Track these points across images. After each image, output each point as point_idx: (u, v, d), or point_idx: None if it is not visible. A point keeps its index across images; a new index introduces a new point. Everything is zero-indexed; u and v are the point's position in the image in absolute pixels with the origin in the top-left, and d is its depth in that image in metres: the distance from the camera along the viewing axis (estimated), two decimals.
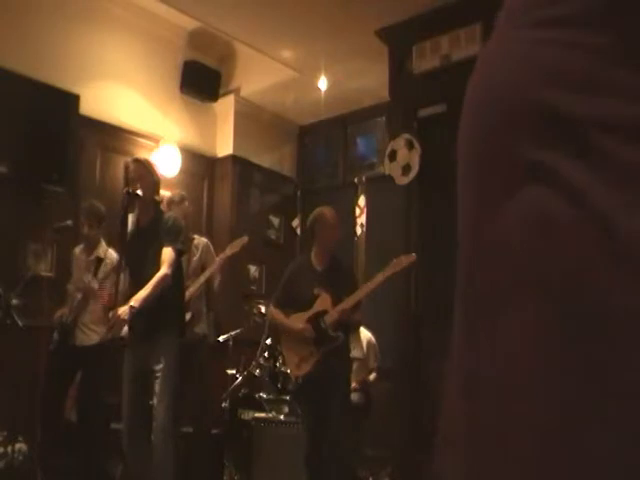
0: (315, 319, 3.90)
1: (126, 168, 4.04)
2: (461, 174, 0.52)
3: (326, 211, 4.09)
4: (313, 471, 3.83)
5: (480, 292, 0.48)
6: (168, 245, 3.61)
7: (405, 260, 3.97)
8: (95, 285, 4.34)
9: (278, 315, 4.07)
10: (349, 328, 4.06)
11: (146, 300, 3.46)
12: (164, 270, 3.54)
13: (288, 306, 4.05)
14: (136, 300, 3.45)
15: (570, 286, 0.42)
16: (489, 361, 0.46)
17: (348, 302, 3.86)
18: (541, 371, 0.43)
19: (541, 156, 0.45)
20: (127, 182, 3.80)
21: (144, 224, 3.77)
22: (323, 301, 3.91)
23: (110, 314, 3.47)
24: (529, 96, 0.46)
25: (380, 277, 3.93)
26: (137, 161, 3.89)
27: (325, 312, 3.89)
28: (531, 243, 0.44)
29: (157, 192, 3.82)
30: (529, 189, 0.45)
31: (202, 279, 4.67)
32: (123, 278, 3.77)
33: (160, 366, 3.55)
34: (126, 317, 3.40)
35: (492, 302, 0.46)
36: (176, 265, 3.67)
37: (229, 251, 4.79)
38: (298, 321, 3.94)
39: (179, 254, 3.71)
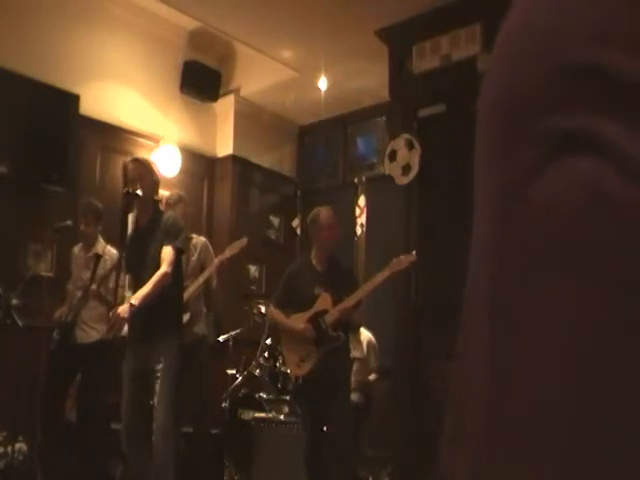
0: (315, 319, 3.90)
1: (124, 168, 4.03)
2: (480, 152, 0.47)
3: (321, 212, 4.08)
4: (313, 471, 3.83)
5: (510, 280, 0.43)
6: (168, 244, 3.61)
7: (405, 260, 3.97)
8: (93, 286, 4.34)
9: (278, 315, 4.07)
10: (349, 328, 4.06)
11: (146, 298, 3.45)
12: (164, 268, 3.54)
13: (288, 306, 4.05)
14: (136, 298, 3.45)
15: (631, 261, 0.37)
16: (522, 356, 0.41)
17: (349, 301, 3.86)
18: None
19: (581, 122, 0.40)
20: (126, 182, 3.79)
21: (143, 224, 3.77)
22: (323, 301, 3.91)
23: (110, 313, 3.46)
24: (568, 52, 0.41)
25: (380, 277, 3.93)
26: (136, 161, 3.88)
27: (325, 312, 3.88)
28: (577, 220, 0.39)
29: (156, 192, 3.82)
30: (568, 160, 0.40)
31: (201, 279, 4.67)
32: (124, 278, 3.77)
33: (160, 366, 3.55)
34: (126, 316, 3.39)
35: (526, 288, 0.41)
36: (176, 264, 3.67)
37: (228, 253, 4.78)
38: (299, 321, 3.94)
39: (179, 253, 3.70)
